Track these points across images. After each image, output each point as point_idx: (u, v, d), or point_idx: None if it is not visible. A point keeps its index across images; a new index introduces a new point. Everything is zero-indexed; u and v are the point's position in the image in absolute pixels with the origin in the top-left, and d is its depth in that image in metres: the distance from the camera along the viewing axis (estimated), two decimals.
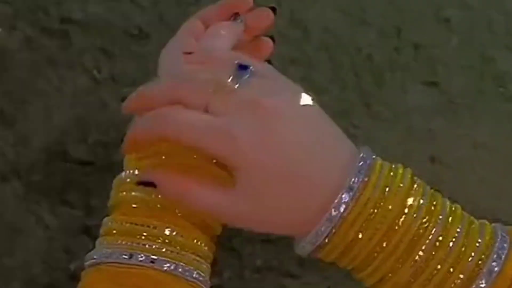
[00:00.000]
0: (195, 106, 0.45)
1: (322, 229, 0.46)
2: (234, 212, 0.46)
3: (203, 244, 0.51)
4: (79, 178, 0.92)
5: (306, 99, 0.49)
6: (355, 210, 0.45)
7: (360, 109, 0.96)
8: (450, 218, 0.48)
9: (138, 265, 0.48)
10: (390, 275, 0.47)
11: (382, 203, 0.45)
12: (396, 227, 0.45)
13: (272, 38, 0.58)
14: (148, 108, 0.47)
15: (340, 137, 0.49)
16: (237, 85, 0.45)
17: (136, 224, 0.49)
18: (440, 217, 0.48)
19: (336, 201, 0.45)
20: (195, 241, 0.51)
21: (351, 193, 0.45)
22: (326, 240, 0.46)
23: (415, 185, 0.49)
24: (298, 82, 1.07)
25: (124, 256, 0.48)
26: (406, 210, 0.46)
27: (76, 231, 0.90)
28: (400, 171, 0.49)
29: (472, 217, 0.50)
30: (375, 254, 0.46)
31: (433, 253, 0.46)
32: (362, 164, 0.47)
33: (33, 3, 0.96)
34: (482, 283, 0.46)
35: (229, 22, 0.57)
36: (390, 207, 0.46)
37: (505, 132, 0.92)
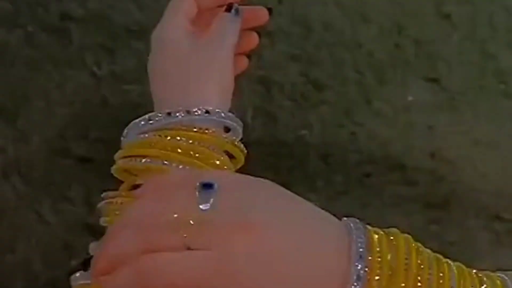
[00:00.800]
0: (175, 249, 0.41)
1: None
2: None
3: None
4: (79, 175, 0.92)
5: (275, 190, 0.45)
6: None
7: (361, 106, 0.96)
8: (462, 281, 0.46)
9: None
10: None
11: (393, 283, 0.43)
12: None
13: (269, 9, 0.56)
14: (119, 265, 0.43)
15: (324, 218, 0.46)
16: (208, 209, 0.42)
17: None
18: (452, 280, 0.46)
19: None
20: None
21: (360, 283, 0.43)
22: None
23: (420, 256, 0.46)
24: (299, 78, 1.07)
25: None
26: (418, 284, 0.44)
27: (77, 228, 0.90)
28: (401, 242, 0.46)
29: (480, 274, 0.49)
30: None
31: None
32: (359, 247, 0.44)
33: (33, 0, 0.96)
34: None
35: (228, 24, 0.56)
36: (403, 284, 0.44)
37: (506, 128, 0.92)
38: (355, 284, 0.42)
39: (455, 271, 0.45)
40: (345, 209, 0.89)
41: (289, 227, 0.43)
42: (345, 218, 0.45)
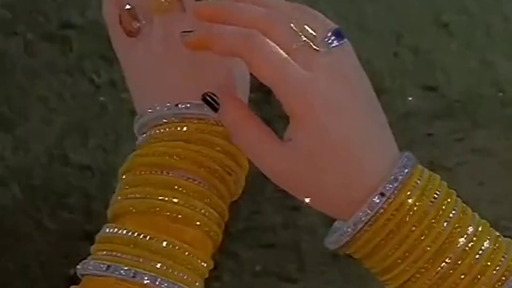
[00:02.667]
0: (281, 46, 0.45)
1: (362, 217, 0.47)
2: (284, 165, 0.47)
3: (199, 260, 0.51)
4: (79, 183, 0.92)
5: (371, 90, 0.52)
6: (396, 202, 0.46)
7: None
8: (479, 229, 0.50)
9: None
10: (414, 279, 0.47)
11: (421, 202, 0.47)
12: (428, 230, 0.47)
13: None
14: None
15: (390, 133, 0.52)
16: (327, 48, 0.47)
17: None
18: (470, 228, 0.49)
19: (380, 189, 0.46)
20: (192, 256, 0.50)
21: (395, 184, 0.46)
22: (364, 229, 0.47)
23: (450, 194, 0.50)
24: None
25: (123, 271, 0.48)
26: (440, 214, 0.48)
27: (76, 236, 0.90)
28: (438, 178, 0.51)
29: (499, 234, 0.52)
30: (406, 254, 0.47)
31: (459, 262, 0.47)
32: (407, 161, 0.49)
33: (33, 8, 0.96)
34: None
35: None
36: (426, 209, 0.47)
37: (505, 136, 0.92)
38: (390, 186, 0.46)
39: (477, 218, 0.49)
40: None
41: (368, 109, 0.48)
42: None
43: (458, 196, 0.56)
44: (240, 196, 0.71)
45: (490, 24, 0.94)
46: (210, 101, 0.50)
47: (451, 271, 0.48)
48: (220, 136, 0.51)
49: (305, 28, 0.47)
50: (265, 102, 0.78)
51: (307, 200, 0.48)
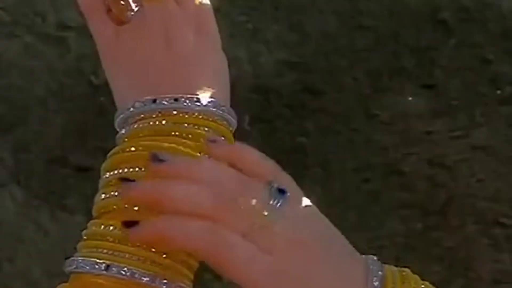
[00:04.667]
0: (239, 231, 0.45)
1: None
2: None
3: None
4: (78, 184, 0.92)
5: (323, 221, 0.51)
6: None
7: (358, 112, 0.96)
8: None
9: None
10: None
11: None
12: None
13: None
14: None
15: (353, 252, 0.51)
16: (277, 212, 0.47)
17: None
18: None
19: None
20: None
21: None
22: None
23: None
24: (297, 85, 1.07)
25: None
26: None
27: (76, 237, 0.90)
28: (409, 274, 0.50)
29: None
30: None
31: None
32: (376, 281, 0.49)
33: (31, 10, 0.96)
34: None
35: None
36: None
37: (503, 133, 0.92)
38: None
39: None
40: (343, 215, 0.89)
41: (329, 254, 0.47)
42: (363, 256, 0.49)
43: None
44: None
45: (488, 22, 0.94)
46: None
47: None
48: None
49: (251, 204, 0.47)
50: (265, 101, 0.79)
51: None
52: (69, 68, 0.95)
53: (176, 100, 0.51)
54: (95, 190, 0.99)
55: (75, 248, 0.73)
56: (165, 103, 0.51)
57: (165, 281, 0.47)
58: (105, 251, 0.47)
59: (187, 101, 0.51)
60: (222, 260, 0.45)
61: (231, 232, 0.45)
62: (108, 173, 0.53)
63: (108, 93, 0.99)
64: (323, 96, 0.95)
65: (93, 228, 0.50)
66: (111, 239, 0.48)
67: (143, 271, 0.47)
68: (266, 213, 0.45)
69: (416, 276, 0.50)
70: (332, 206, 0.93)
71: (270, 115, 0.77)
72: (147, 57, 0.53)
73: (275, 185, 0.46)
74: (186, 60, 0.53)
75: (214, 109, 0.52)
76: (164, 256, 0.48)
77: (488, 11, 0.94)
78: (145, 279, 0.46)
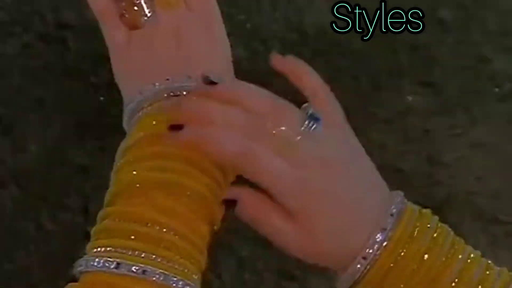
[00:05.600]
0: (269, 150, 0.50)
1: (358, 266, 0.52)
2: (294, 241, 0.52)
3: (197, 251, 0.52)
4: (77, 183, 0.92)
5: (352, 144, 0.56)
6: (387, 249, 0.51)
7: (357, 111, 0.96)
8: (469, 260, 0.53)
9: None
10: None
11: (411, 243, 0.51)
12: (422, 263, 0.51)
13: None
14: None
15: (378, 179, 0.56)
16: (309, 135, 0.52)
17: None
18: (460, 256, 0.52)
19: (371, 241, 0.51)
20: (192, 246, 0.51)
21: (384, 234, 0.51)
22: (363, 274, 0.52)
23: (440, 227, 0.54)
24: (293, 87, 1.07)
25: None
26: (431, 248, 0.52)
27: (76, 236, 0.90)
28: (428, 214, 0.54)
29: (491, 263, 0.54)
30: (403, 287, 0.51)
31: None
32: (394, 208, 0.53)
33: (29, 9, 0.96)
34: None
35: None
36: (417, 247, 0.51)
37: (501, 131, 0.92)
38: (380, 234, 0.50)
39: (468, 249, 0.52)
40: None
41: (353, 175, 0.53)
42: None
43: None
44: None
45: (486, 20, 0.95)
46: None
47: None
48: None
49: (283, 126, 0.52)
50: None
51: (311, 262, 0.54)
52: (68, 68, 0.95)
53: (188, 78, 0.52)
54: (95, 189, 0.99)
55: (75, 248, 0.73)
56: (176, 84, 0.53)
57: (175, 278, 0.48)
58: (114, 249, 0.48)
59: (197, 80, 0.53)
60: (253, 170, 0.49)
61: (264, 147, 0.49)
62: (124, 159, 0.53)
63: (108, 92, 1.00)
64: None
65: (104, 222, 0.50)
66: (121, 236, 0.49)
67: (153, 268, 0.48)
68: (298, 137, 0.51)
69: (436, 217, 0.53)
70: None
71: None
72: (158, 58, 0.55)
73: (310, 111, 0.51)
74: (197, 55, 0.55)
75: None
76: (174, 253, 0.49)
77: (486, 9, 0.94)
78: (155, 276, 0.47)
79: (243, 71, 0.72)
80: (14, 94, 0.95)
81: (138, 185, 0.50)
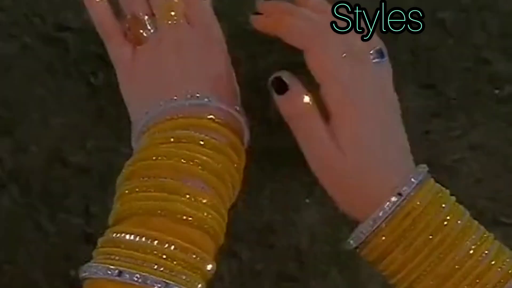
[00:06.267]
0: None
1: (381, 214, 0.54)
2: (328, 154, 0.54)
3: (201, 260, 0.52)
4: (78, 185, 0.92)
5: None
6: (411, 202, 0.53)
7: None
8: (483, 238, 0.54)
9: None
10: (419, 280, 0.51)
11: (435, 204, 0.53)
12: (435, 233, 0.52)
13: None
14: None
15: (408, 149, 0.61)
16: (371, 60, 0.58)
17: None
18: (474, 236, 0.54)
19: (398, 190, 0.53)
20: (195, 256, 0.51)
21: (412, 186, 0.53)
22: (383, 225, 0.53)
23: (457, 205, 0.55)
24: None
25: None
26: (448, 219, 0.53)
27: (76, 238, 0.90)
28: (446, 199, 0.56)
29: (502, 244, 0.55)
30: (415, 252, 0.52)
31: (462, 264, 0.51)
32: (422, 172, 0.55)
33: (29, 10, 0.96)
34: None
35: None
36: (435, 215, 0.52)
37: (502, 133, 0.92)
38: (396, 197, 0.52)
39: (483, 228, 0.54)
40: (343, 216, 0.89)
41: (390, 121, 0.57)
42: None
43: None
44: (240, 197, 0.71)
45: (486, 22, 0.94)
46: (280, 84, 0.56)
47: (453, 273, 0.51)
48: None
49: (354, 43, 0.55)
50: (264, 102, 0.79)
51: (337, 198, 0.55)
52: (68, 69, 0.95)
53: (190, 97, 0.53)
54: (95, 191, 0.99)
55: (75, 249, 0.74)
56: (176, 103, 0.53)
57: (176, 287, 0.48)
58: (117, 257, 0.48)
59: (203, 99, 0.53)
60: (317, 58, 0.54)
61: (336, 46, 0.55)
62: (127, 183, 0.54)
63: (108, 94, 1.00)
64: None
65: (108, 235, 0.51)
66: (123, 246, 0.49)
67: (155, 277, 0.48)
68: (362, 55, 0.58)
69: (452, 198, 0.55)
70: (331, 207, 0.93)
71: (269, 116, 0.78)
72: (159, 71, 0.56)
73: (378, 46, 0.59)
74: (198, 71, 0.56)
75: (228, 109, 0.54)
76: (175, 263, 0.49)
77: (486, 11, 0.94)
78: (156, 285, 0.48)
79: (242, 73, 0.72)
80: (14, 95, 0.95)
81: (140, 210, 0.51)
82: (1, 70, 0.96)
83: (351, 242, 0.55)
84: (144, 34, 0.57)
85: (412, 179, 0.53)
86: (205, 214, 0.52)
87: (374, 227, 0.52)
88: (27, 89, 0.95)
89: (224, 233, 0.56)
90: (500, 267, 0.53)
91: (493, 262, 0.53)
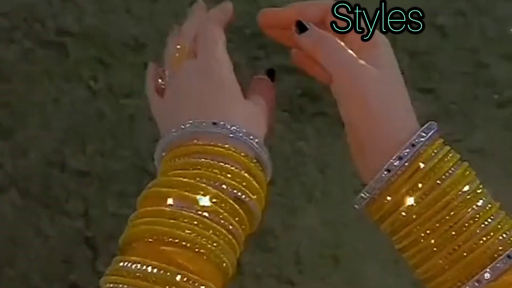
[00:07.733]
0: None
1: (406, 152, 0.57)
2: (358, 62, 0.59)
3: None
4: (77, 189, 0.92)
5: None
6: (435, 143, 0.58)
7: None
8: (489, 205, 0.56)
9: None
10: (421, 239, 0.53)
11: (444, 163, 0.55)
12: (440, 197, 0.54)
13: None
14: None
15: (413, 114, 0.63)
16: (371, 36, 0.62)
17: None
18: (480, 201, 0.55)
19: (420, 132, 0.58)
20: None
21: (422, 140, 0.57)
22: (399, 172, 0.55)
23: (466, 168, 0.57)
24: (295, 90, 1.07)
25: None
26: (454, 183, 0.55)
27: (75, 242, 0.90)
28: (452, 162, 0.59)
29: (508, 214, 0.57)
30: (421, 210, 0.53)
31: (464, 228, 0.52)
32: (430, 126, 0.59)
33: (30, 15, 0.96)
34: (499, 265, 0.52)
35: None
36: (441, 176, 0.54)
37: (500, 137, 0.92)
38: (407, 151, 0.56)
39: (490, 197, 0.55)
40: (342, 219, 0.89)
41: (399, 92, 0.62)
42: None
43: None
44: None
45: (484, 26, 0.95)
46: (302, 26, 0.60)
47: (455, 236, 0.52)
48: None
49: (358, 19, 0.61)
50: None
51: (354, 142, 0.59)
52: (68, 73, 0.95)
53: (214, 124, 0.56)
54: (95, 195, 0.99)
55: (75, 253, 0.74)
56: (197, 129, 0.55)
57: None
58: (120, 285, 0.49)
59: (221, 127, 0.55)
60: (328, 56, 0.59)
61: (339, 43, 0.60)
62: (142, 205, 0.55)
63: (107, 97, 1.00)
64: (322, 100, 0.96)
65: (114, 265, 0.52)
66: (126, 274, 0.50)
67: None
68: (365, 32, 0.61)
69: (466, 165, 0.56)
70: (331, 210, 0.93)
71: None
72: (181, 107, 0.59)
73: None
74: (207, 101, 0.58)
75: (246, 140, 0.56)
76: None
77: (485, 15, 0.94)
78: None
79: (242, 77, 0.72)
80: (14, 100, 0.96)
81: (150, 240, 0.52)
82: (1, 74, 0.96)
83: (364, 195, 0.56)
84: (163, 82, 0.63)
85: (425, 133, 0.58)
86: (215, 244, 0.53)
87: (390, 175, 0.55)
88: (27, 94, 0.95)
89: (235, 265, 0.58)
90: (499, 238, 0.54)
91: (492, 232, 0.54)
